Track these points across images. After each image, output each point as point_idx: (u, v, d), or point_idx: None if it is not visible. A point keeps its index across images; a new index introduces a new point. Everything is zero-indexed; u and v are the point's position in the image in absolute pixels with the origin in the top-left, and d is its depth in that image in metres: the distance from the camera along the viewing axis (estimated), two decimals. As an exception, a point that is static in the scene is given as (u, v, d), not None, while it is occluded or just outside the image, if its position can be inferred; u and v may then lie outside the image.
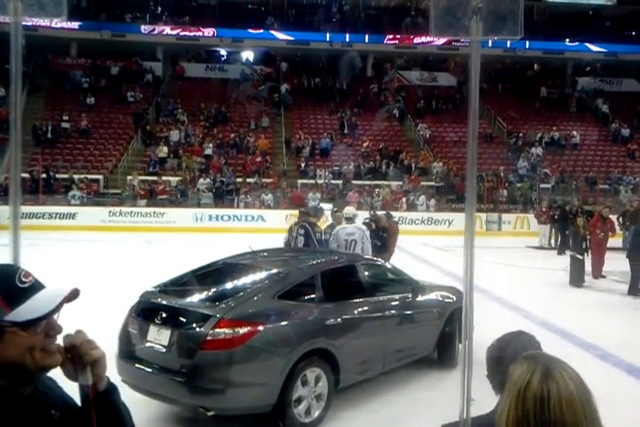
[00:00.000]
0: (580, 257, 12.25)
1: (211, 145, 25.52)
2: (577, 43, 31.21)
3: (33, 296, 1.35)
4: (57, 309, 1.36)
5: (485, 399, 2.18)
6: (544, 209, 19.26)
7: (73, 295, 1.39)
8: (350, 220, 9.25)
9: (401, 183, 24.56)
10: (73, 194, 21.61)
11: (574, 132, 28.87)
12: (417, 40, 29.90)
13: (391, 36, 30.59)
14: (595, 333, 8.23)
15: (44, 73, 28.61)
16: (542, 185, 25.12)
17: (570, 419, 1.32)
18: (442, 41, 26.28)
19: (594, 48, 31.37)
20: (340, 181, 24.46)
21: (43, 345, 1.37)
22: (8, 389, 1.33)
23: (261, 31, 30.11)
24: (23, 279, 1.37)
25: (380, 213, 13.18)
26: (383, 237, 10.61)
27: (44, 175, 22.46)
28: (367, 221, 11.22)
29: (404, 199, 23.06)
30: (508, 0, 2.71)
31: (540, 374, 1.35)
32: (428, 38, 27.46)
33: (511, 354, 2.19)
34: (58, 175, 23.02)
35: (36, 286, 1.39)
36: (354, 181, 24.53)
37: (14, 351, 1.34)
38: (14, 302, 1.33)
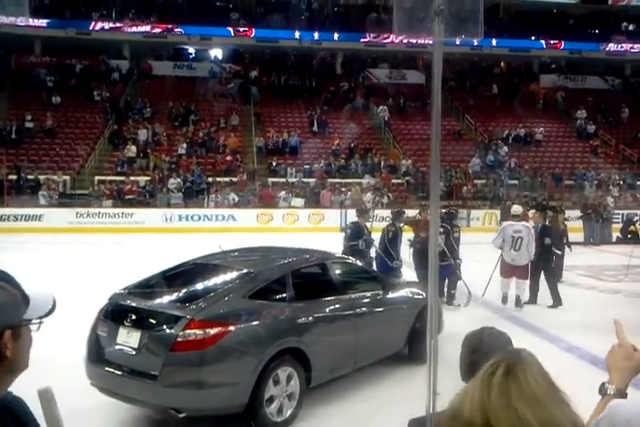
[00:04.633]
0: (559, 252, 12.40)
1: (184, 145, 25.29)
2: (542, 41, 31.77)
3: (32, 297, 1.36)
4: (54, 307, 1.38)
5: (451, 394, 2.22)
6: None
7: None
8: (518, 217, 9.79)
9: (371, 181, 24.65)
10: (43, 193, 21.20)
11: (536, 129, 29.42)
12: (386, 38, 30.04)
13: (360, 34, 30.69)
14: (560, 326, 8.44)
15: (6, 72, 27.99)
16: (510, 181, 25.51)
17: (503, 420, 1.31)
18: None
19: (558, 46, 31.99)
20: (311, 180, 24.44)
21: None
22: None
23: (229, 29, 29.92)
24: (18, 281, 1.39)
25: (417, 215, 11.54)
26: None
27: (14, 176, 21.98)
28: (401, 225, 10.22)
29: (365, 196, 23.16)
30: (469, 2, 2.76)
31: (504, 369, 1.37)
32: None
33: (477, 348, 2.25)
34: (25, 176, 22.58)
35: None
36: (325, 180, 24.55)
37: (25, 350, 1.32)
38: (27, 301, 1.34)
